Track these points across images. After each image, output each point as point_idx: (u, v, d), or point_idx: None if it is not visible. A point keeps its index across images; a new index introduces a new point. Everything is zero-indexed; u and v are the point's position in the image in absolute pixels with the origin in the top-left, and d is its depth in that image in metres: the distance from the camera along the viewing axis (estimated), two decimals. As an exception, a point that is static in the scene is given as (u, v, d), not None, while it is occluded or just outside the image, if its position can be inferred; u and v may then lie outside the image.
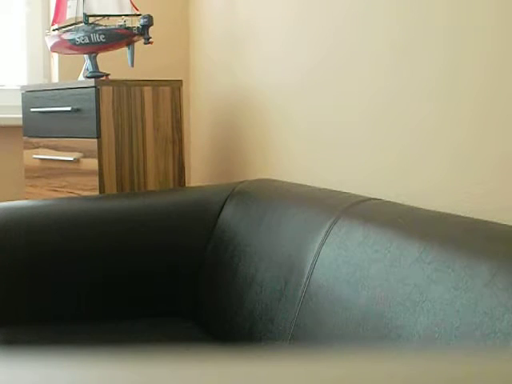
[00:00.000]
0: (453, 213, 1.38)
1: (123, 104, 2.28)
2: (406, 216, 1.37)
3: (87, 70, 2.47)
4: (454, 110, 1.52)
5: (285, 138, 2.20)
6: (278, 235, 1.70)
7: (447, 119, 1.54)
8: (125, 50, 2.43)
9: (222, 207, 2.04)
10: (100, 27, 2.35)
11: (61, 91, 2.38)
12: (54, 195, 2.42)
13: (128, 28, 2.33)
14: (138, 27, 2.33)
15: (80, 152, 2.31)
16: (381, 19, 1.75)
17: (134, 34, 2.34)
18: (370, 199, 1.57)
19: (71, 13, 2.42)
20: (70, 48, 2.43)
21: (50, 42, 2.50)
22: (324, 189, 1.77)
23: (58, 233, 1.95)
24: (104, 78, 2.42)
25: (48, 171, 2.46)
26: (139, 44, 2.43)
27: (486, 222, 1.24)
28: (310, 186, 1.83)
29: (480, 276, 1.08)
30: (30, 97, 2.53)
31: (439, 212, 1.36)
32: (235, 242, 1.88)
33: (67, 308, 1.95)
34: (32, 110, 2.50)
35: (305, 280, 1.53)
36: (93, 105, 2.24)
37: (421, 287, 1.18)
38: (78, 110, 2.30)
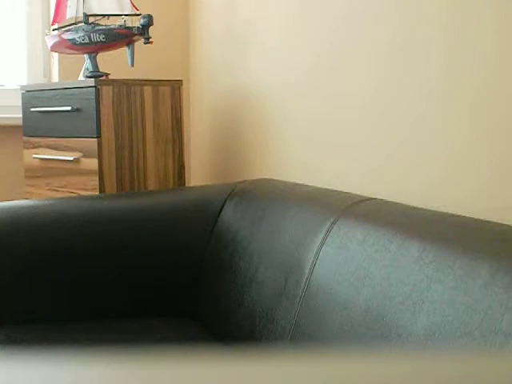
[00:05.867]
0: (453, 213, 1.38)
1: (123, 104, 2.28)
2: (405, 216, 1.37)
3: (87, 69, 2.47)
4: (453, 110, 1.52)
5: (285, 138, 2.20)
6: (278, 235, 1.70)
7: (447, 119, 1.54)
8: (125, 50, 2.43)
9: (222, 207, 2.04)
10: (100, 27, 2.35)
11: (61, 91, 2.38)
12: (54, 195, 2.42)
13: (128, 28, 2.33)
14: (138, 27, 2.33)
15: (80, 152, 2.31)
16: (380, 19, 1.75)
17: (134, 34, 2.34)
18: (370, 199, 1.57)
19: (71, 12, 2.42)
20: (70, 48, 2.43)
21: (49, 42, 2.50)
22: (324, 189, 1.77)
23: (57, 232, 1.95)
24: (104, 77, 2.42)
25: (48, 171, 2.46)
26: (139, 44, 2.43)
27: (486, 221, 1.24)
28: (309, 186, 1.83)
29: (480, 276, 1.08)
30: (30, 97, 2.53)
31: (439, 212, 1.36)
32: (235, 242, 1.88)
33: (67, 308, 1.95)
34: (32, 109, 2.50)
35: (305, 280, 1.53)
36: (93, 105, 2.24)
37: (421, 287, 1.18)
38: (77, 110, 2.30)
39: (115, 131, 2.27)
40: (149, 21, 2.32)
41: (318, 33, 2.02)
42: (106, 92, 2.25)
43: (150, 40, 2.34)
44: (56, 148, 2.42)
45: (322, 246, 1.52)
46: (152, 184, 2.33)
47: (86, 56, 2.46)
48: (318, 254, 1.52)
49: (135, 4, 2.43)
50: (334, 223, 1.53)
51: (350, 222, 1.48)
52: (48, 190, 2.46)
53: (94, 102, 2.24)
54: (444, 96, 1.54)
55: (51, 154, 2.44)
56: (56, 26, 2.49)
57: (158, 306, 2.01)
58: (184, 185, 2.41)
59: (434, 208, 1.56)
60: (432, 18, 1.58)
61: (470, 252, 1.13)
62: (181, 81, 2.39)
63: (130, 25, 2.34)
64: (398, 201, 1.68)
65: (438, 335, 1.10)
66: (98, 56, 2.48)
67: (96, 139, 2.24)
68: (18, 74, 2.91)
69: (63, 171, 2.39)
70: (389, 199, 1.71)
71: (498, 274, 1.06)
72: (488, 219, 1.36)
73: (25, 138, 2.57)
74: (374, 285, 1.29)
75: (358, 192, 1.83)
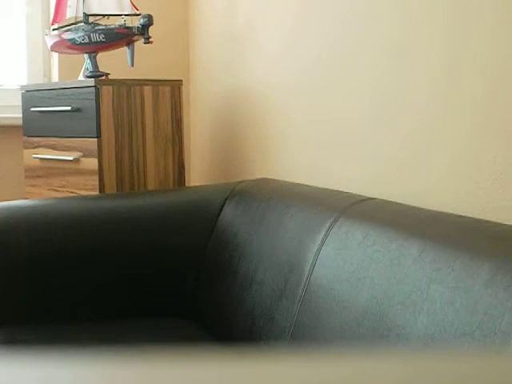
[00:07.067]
0: (453, 213, 1.38)
1: (123, 104, 2.28)
2: (405, 216, 1.37)
3: (87, 69, 2.47)
4: (453, 110, 1.52)
5: (285, 138, 2.20)
6: (278, 235, 1.70)
7: (447, 119, 1.54)
8: (125, 50, 2.43)
9: (222, 207, 2.04)
10: (100, 27, 2.35)
11: (61, 91, 2.38)
12: (53, 195, 2.42)
13: (128, 28, 2.33)
14: (138, 27, 2.33)
15: (80, 152, 2.31)
16: (380, 19, 1.75)
17: (134, 34, 2.34)
18: (370, 199, 1.57)
19: (71, 12, 2.42)
20: (70, 47, 2.43)
21: (49, 42, 2.50)
22: (324, 189, 1.77)
23: (57, 232, 1.95)
24: (104, 77, 2.42)
25: (48, 171, 2.46)
26: (139, 44, 2.43)
27: (486, 221, 1.24)
28: (309, 186, 1.83)
29: (480, 276, 1.08)
30: (30, 96, 2.53)
31: (439, 212, 1.36)
32: (235, 242, 1.88)
33: (67, 308, 1.95)
34: (32, 109, 2.50)
35: (305, 279, 1.53)
36: (93, 104, 2.24)
37: (421, 287, 1.18)
38: (78, 110, 2.30)
39: (115, 131, 2.27)
40: (149, 21, 2.32)
41: (317, 33, 2.02)
42: (106, 92, 2.25)
43: (150, 40, 2.34)
44: (56, 148, 2.42)
45: (322, 245, 1.52)
46: (152, 184, 2.33)
47: (85, 56, 2.46)
48: (317, 253, 1.52)
49: (135, 4, 2.43)
50: (333, 223, 1.53)
51: (350, 222, 1.48)
52: (48, 189, 2.46)
53: (93, 101, 2.24)
54: (444, 96, 1.54)
55: (51, 154, 2.44)
56: (56, 26, 2.49)
57: (157, 306, 2.01)
58: (184, 185, 2.41)
59: (434, 208, 1.56)
60: (432, 18, 1.58)
61: (470, 252, 1.13)
62: (181, 81, 2.39)
63: (130, 25, 2.34)
64: (398, 201, 1.68)
65: (438, 335, 1.10)
66: (97, 56, 2.48)
67: (96, 139, 2.24)
68: (18, 74, 2.91)
69: (63, 171, 2.39)
70: (389, 199, 1.71)
71: (498, 273, 1.05)
72: (488, 219, 1.36)
73: (25, 138, 2.57)
74: (374, 285, 1.29)
75: (358, 192, 1.83)
